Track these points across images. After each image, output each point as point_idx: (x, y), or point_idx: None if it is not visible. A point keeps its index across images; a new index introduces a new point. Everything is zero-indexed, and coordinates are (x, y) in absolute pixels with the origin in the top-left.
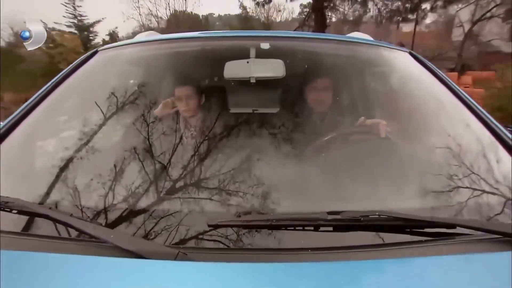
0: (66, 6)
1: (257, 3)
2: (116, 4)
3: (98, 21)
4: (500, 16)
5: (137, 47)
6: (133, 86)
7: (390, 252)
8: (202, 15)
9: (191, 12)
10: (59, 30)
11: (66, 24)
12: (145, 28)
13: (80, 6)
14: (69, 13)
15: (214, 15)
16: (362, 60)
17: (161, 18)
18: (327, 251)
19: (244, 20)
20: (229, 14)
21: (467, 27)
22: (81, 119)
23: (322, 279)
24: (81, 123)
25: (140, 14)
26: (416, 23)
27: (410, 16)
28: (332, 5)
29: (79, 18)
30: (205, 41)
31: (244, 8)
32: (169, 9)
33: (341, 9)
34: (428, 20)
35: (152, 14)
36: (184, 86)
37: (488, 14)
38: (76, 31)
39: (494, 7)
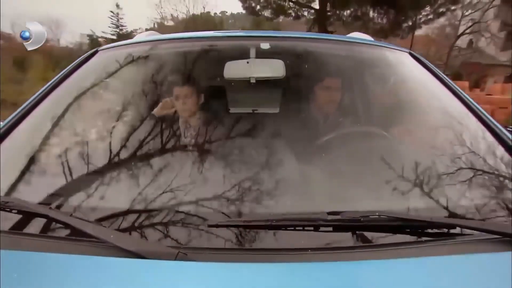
0: (111, 18)
1: (266, 18)
2: (142, 9)
3: (136, 30)
4: (478, 31)
5: (137, 47)
6: (133, 85)
7: (390, 253)
8: (215, 13)
9: (205, 11)
10: (105, 38)
11: (111, 33)
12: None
13: (122, 18)
14: (113, 23)
15: (226, 13)
16: (362, 60)
17: (178, 19)
18: (327, 251)
19: (256, 22)
20: (241, 13)
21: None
22: (81, 119)
23: (322, 279)
24: (81, 123)
25: (162, 18)
26: (413, 33)
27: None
28: (333, 17)
29: (120, 27)
30: (205, 41)
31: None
32: (188, 13)
33: (342, 17)
34: (425, 27)
35: (172, 17)
36: (182, 86)
37: (468, 31)
38: (116, 39)
39: (473, 24)
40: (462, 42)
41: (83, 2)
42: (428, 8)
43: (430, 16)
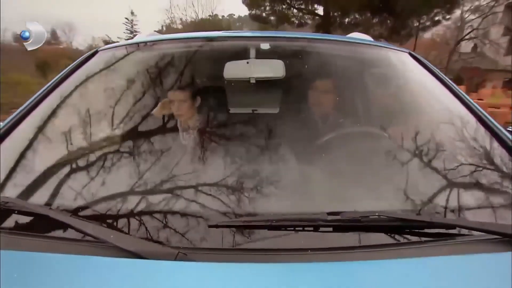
0: (126, 24)
1: (271, 25)
2: (153, 14)
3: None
4: (477, 38)
5: (137, 47)
6: (133, 86)
7: (389, 253)
8: (223, 16)
9: (213, 14)
10: None
11: (125, 38)
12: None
13: (136, 24)
14: (128, 29)
15: (234, 16)
16: (362, 60)
17: (187, 22)
18: (326, 252)
19: (262, 27)
20: (248, 16)
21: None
22: (81, 119)
23: (322, 279)
24: (81, 123)
25: (171, 22)
26: (416, 38)
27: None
28: (335, 24)
29: (134, 33)
30: (205, 41)
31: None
32: (197, 17)
33: (343, 24)
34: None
35: (181, 21)
36: (175, 91)
37: (467, 37)
38: None
39: (471, 31)
40: (467, 46)
41: (95, 6)
42: (424, 17)
43: (428, 23)
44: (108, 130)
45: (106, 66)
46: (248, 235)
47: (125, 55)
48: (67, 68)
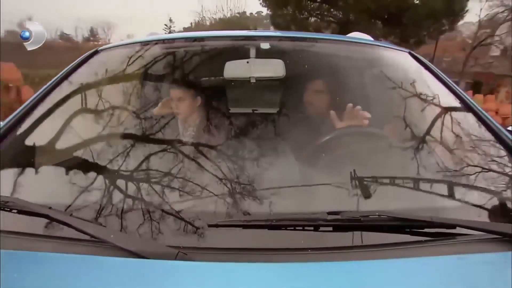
0: (165, 30)
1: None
2: (185, 16)
3: None
4: (494, 44)
5: (137, 47)
6: (133, 85)
7: (390, 252)
8: (251, 13)
9: (241, 12)
10: None
11: None
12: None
13: (174, 29)
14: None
15: (262, 14)
16: (362, 60)
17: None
18: (327, 251)
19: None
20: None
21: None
22: (81, 118)
23: (322, 279)
24: (81, 123)
25: (201, 23)
26: (436, 42)
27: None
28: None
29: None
30: (205, 41)
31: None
32: (225, 15)
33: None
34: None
35: (210, 21)
36: (176, 89)
37: (483, 43)
38: None
39: (488, 36)
40: (494, 51)
41: (131, 5)
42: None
43: (435, 33)
44: (109, 129)
45: (106, 65)
46: (248, 235)
47: (125, 55)
48: (67, 68)
